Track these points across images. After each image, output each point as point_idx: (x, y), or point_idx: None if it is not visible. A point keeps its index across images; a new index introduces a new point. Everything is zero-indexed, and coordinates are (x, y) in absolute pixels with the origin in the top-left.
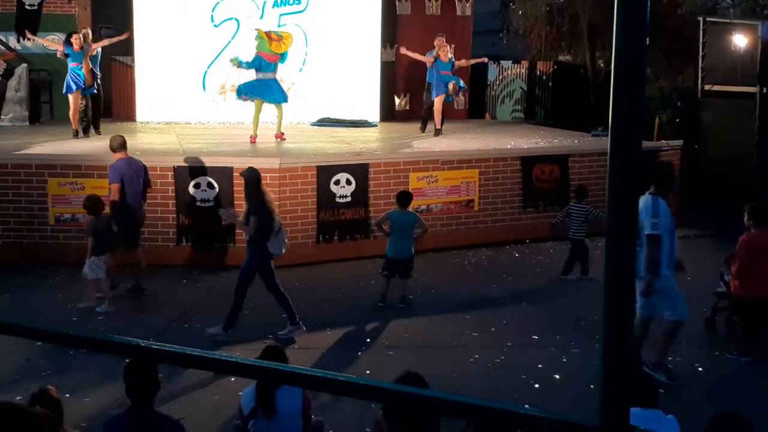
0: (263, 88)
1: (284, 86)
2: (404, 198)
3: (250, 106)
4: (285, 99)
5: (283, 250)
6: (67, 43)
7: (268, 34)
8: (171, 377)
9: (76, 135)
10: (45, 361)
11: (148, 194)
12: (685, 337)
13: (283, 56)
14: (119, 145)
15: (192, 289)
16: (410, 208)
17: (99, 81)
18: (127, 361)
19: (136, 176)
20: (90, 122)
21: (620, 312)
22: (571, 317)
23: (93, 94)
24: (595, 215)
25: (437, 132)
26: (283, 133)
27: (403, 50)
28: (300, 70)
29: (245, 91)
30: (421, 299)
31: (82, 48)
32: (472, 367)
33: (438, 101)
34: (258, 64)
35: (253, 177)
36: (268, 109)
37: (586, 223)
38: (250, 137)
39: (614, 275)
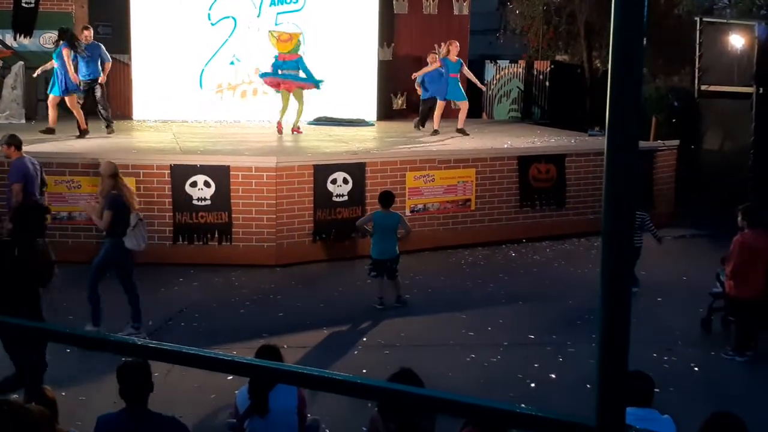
0: (290, 77)
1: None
2: (387, 198)
3: (247, 105)
4: (317, 82)
5: (142, 246)
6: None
7: (277, 36)
8: (166, 376)
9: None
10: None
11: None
12: (681, 337)
13: (299, 59)
14: (18, 144)
15: (189, 288)
16: (407, 207)
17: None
18: (122, 360)
19: (36, 175)
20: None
21: (617, 311)
22: (567, 316)
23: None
24: (650, 229)
25: (435, 132)
26: (299, 127)
27: (415, 75)
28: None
29: (273, 74)
30: (417, 298)
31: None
32: (469, 367)
33: (443, 103)
34: (278, 65)
35: (107, 171)
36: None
37: (640, 231)
38: (278, 124)
39: (611, 275)
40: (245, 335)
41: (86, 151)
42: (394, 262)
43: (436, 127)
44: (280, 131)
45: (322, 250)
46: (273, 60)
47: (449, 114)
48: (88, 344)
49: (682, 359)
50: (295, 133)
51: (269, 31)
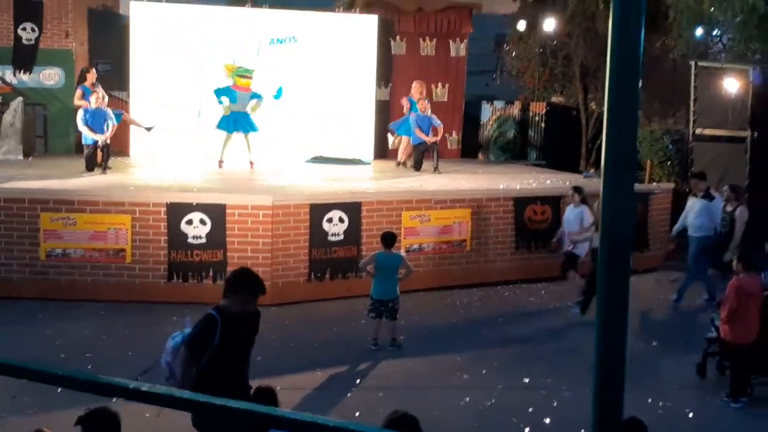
0: (237, 122)
1: (278, 124)
2: (389, 239)
3: (244, 143)
4: (256, 129)
5: None
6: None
7: (235, 69)
8: (157, 417)
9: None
10: (30, 399)
11: None
12: (676, 381)
13: (254, 93)
14: None
15: (182, 326)
16: (403, 247)
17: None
18: (88, 408)
19: None
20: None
21: (611, 356)
22: (562, 360)
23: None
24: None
25: (400, 164)
26: (252, 163)
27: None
28: (294, 108)
29: (224, 127)
30: (412, 339)
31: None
32: (463, 410)
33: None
34: (233, 96)
35: None
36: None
37: None
38: (219, 162)
39: (606, 320)
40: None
41: (82, 189)
42: (396, 302)
43: (402, 160)
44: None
45: (317, 290)
46: (226, 92)
47: (443, 154)
48: (79, 386)
49: (677, 405)
50: (252, 167)
51: (225, 65)
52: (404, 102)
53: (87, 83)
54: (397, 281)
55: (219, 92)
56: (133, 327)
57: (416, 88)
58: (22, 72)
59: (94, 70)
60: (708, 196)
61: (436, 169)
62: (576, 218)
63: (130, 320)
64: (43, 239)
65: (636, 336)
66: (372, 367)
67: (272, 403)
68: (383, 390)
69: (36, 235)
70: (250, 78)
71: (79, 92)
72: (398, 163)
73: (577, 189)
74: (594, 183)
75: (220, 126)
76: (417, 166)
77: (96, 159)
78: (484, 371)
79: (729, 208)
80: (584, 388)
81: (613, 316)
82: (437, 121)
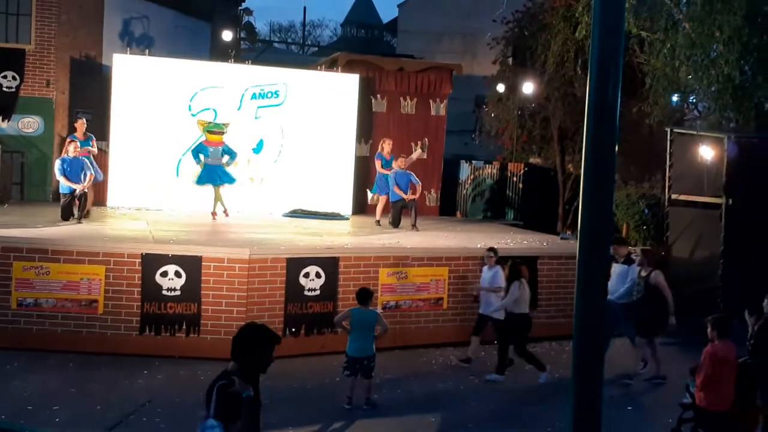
0: (214, 175)
1: (257, 176)
2: (365, 295)
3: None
4: (232, 180)
5: None
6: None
7: (206, 125)
8: None
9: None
10: None
11: None
12: None
13: (225, 146)
14: None
15: (153, 380)
16: (380, 304)
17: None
18: None
19: None
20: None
21: (587, 419)
22: (537, 422)
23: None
24: None
25: (378, 223)
26: (215, 213)
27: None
28: (275, 161)
29: (201, 182)
30: (386, 398)
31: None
32: None
33: (386, 198)
34: (205, 151)
35: None
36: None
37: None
38: (213, 214)
39: (581, 385)
40: None
41: (56, 238)
42: (371, 360)
43: (378, 218)
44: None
45: (292, 345)
46: (199, 148)
47: (421, 211)
48: None
49: None
50: (215, 218)
51: (198, 121)
52: (376, 160)
53: (77, 133)
54: (373, 339)
55: (195, 152)
56: (104, 380)
57: (387, 145)
58: (1, 119)
59: (83, 120)
60: (628, 261)
61: (414, 226)
62: (491, 279)
63: (100, 373)
64: (14, 288)
65: (609, 401)
66: (345, 426)
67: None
68: None
69: (8, 284)
70: (222, 133)
71: (67, 141)
72: (377, 222)
73: (492, 250)
74: (572, 244)
75: (199, 182)
76: (395, 223)
77: (72, 208)
78: None
79: (643, 273)
80: None
81: (589, 378)
82: (416, 179)
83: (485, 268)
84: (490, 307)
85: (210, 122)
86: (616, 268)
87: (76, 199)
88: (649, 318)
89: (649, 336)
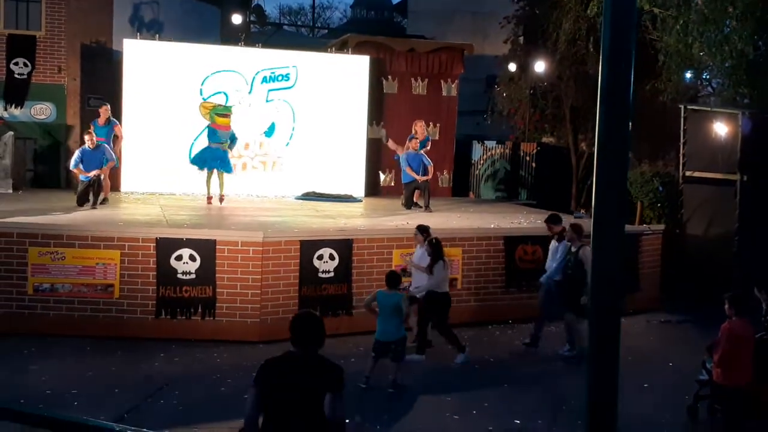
0: (214, 160)
1: (269, 160)
2: (392, 279)
3: (235, 179)
4: (229, 170)
5: None
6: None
7: (213, 108)
8: None
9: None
10: None
11: None
12: (667, 424)
13: (232, 134)
14: None
15: (169, 363)
16: None
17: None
18: None
19: None
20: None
21: (603, 397)
22: (553, 400)
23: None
24: None
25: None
26: (223, 197)
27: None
28: (287, 145)
29: (196, 163)
30: (401, 379)
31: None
32: None
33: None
34: (215, 136)
35: None
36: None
37: None
38: (208, 198)
39: (598, 363)
40: (226, 414)
41: (71, 223)
42: (399, 344)
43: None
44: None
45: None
46: (210, 131)
47: (434, 193)
48: (64, 428)
49: None
50: (221, 202)
51: (200, 105)
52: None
53: (100, 119)
54: (399, 322)
55: (210, 137)
56: (120, 363)
57: (421, 127)
58: (13, 106)
59: (107, 106)
60: (563, 238)
61: (427, 207)
62: (420, 259)
63: (116, 357)
64: (31, 273)
65: (624, 377)
66: (359, 407)
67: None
68: (370, 431)
69: (24, 270)
70: (229, 116)
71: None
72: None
73: (419, 228)
74: (585, 223)
75: (192, 161)
76: (407, 204)
77: (87, 194)
78: (474, 412)
79: (573, 249)
80: (575, 429)
81: (605, 356)
82: (428, 160)
83: (417, 246)
84: (416, 284)
85: (217, 105)
86: (552, 245)
87: (90, 186)
88: (578, 295)
89: (576, 313)
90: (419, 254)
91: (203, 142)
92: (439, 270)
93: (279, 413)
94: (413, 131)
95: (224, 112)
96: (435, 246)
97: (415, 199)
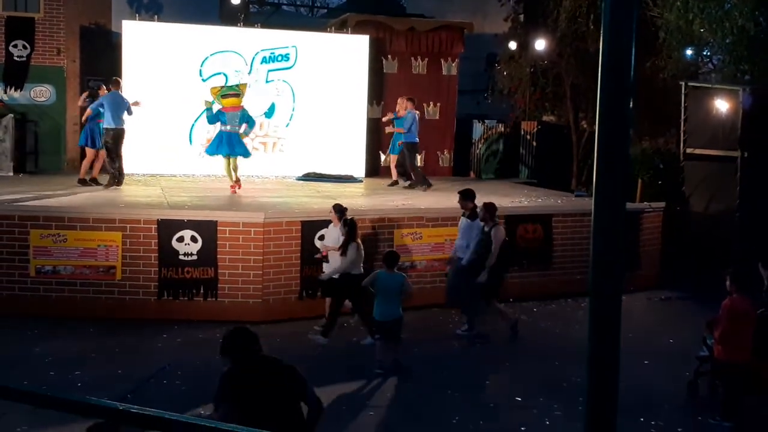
0: (228, 145)
1: (270, 141)
2: (391, 258)
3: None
4: (247, 154)
5: None
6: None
7: (219, 91)
8: None
9: (85, 183)
10: (20, 417)
11: None
12: (667, 400)
13: (243, 111)
14: None
15: (172, 344)
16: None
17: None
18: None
19: None
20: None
21: (604, 375)
22: (554, 378)
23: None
24: None
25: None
26: (239, 183)
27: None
28: (287, 125)
29: (212, 151)
30: (403, 358)
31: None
32: (454, 429)
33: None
34: (223, 118)
35: None
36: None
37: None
38: (231, 187)
39: (598, 338)
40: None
41: (72, 206)
42: (397, 324)
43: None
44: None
45: (308, 307)
46: (217, 114)
47: (435, 172)
48: (66, 407)
49: (669, 424)
50: (234, 191)
51: (211, 89)
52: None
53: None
54: (398, 302)
55: (211, 120)
56: (123, 344)
57: (401, 104)
58: (13, 89)
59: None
60: (473, 216)
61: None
62: (336, 239)
63: (120, 338)
64: (32, 256)
65: (625, 354)
66: (362, 385)
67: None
68: (374, 409)
69: (26, 252)
70: (238, 95)
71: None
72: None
73: (336, 208)
74: (586, 202)
75: (209, 151)
76: (418, 180)
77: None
78: (475, 389)
79: (486, 229)
80: (576, 406)
81: (605, 334)
82: (407, 136)
83: (331, 225)
84: (332, 266)
85: (222, 86)
86: (462, 223)
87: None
88: (492, 277)
89: (488, 294)
90: (336, 235)
91: (203, 124)
92: (352, 251)
93: (258, 420)
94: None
95: (228, 92)
96: (350, 226)
97: (394, 177)
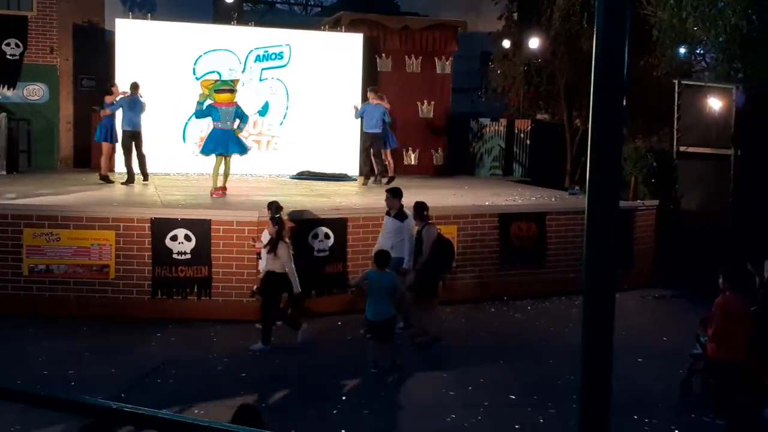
0: (223, 143)
1: (263, 140)
2: (382, 258)
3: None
4: (244, 151)
5: None
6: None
7: (212, 85)
8: None
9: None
10: (13, 416)
11: None
12: (660, 398)
13: (237, 108)
14: None
15: (166, 343)
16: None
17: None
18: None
19: None
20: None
21: (598, 373)
22: (548, 376)
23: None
24: None
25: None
26: (224, 189)
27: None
28: (280, 124)
29: (208, 151)
30: (399, 357)
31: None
32: (448, 427)
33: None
34: (216, 114)
35: None
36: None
37: None
38: (211, 191)
39: (592, 337)
40: (223, 393)
41: (65, 204)
42: (389, 323)
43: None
44: (223, 195)
45: (303, 306)
46: (208, 109)
47: (429, 171)
48: (60, 406)
49: (662, 422)
50: (220, 195)
51: (202, 82)
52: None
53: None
54: (389, 301)
55: (200, 115)
56: (117, 343)
57: (372, 97)
58: (6, 87)
59: (117, 86)
60: (401, 215)
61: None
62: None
63: (113, 337)
64: (26, 255)
65: (618, 352)
66: (357, 384)
67: (255, 422)
68: (368, 408)
69: (19, 251)
70: (231, 91)
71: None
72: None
73: (269, 206)
74: (580, 200)
75: (205, 151)
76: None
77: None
78: (470, 388)
79: (417, 228)
80: (570, 405)
81: (598, 333)
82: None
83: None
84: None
85: (216, 81)
86: (387, 223)
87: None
88: (428, 277)
89: (424, 296)
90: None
91: (197, 122)
92: (282, 251)
93: None
94: None
95: (222, 87)
96: (279, 227)
97: (390, 173)
